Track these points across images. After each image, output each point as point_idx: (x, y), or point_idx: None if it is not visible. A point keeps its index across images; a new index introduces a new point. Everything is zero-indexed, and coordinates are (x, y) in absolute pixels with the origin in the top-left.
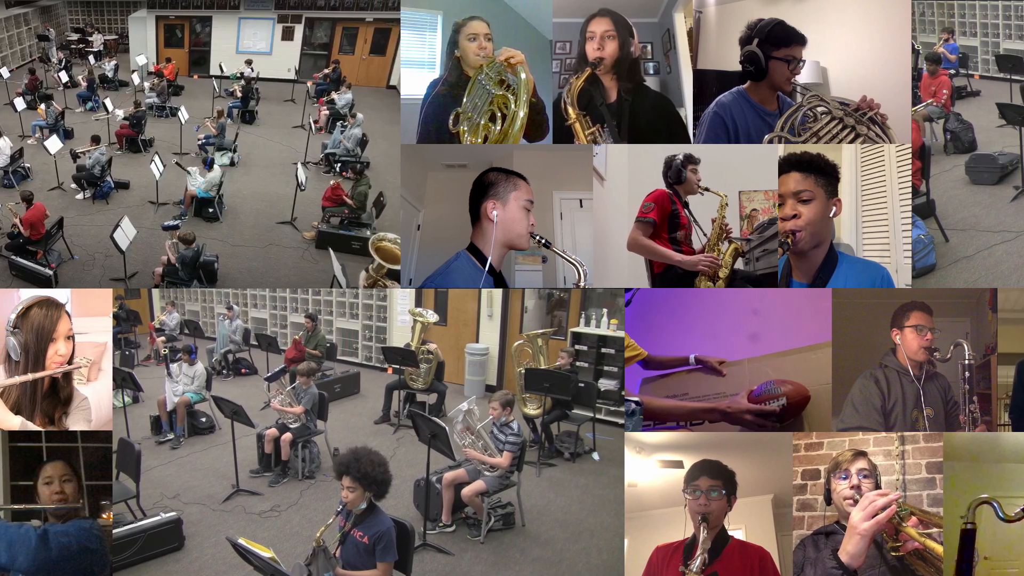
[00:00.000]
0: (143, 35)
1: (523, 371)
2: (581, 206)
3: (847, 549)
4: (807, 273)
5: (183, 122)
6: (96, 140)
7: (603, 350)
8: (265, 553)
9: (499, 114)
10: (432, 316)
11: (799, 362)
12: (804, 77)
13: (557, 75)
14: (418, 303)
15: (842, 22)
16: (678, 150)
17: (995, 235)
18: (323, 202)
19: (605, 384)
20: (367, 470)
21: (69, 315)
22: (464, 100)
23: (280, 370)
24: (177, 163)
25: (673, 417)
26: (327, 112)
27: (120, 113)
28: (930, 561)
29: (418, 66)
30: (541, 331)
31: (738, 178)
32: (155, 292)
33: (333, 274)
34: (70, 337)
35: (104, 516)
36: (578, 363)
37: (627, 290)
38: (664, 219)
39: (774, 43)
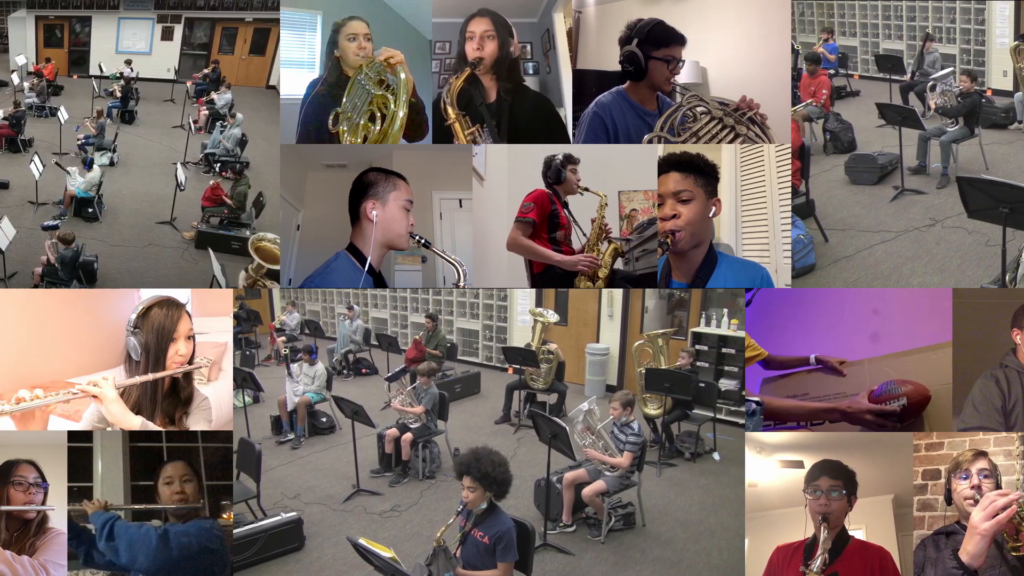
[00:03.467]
0: (22, 35)
1: (643, 371)
2: (461, 206)
3: (967, 549)
4: (687, 273)
5: (63, 122)
6: None
7: (724, 350)
8: (386, 553)
9: (379, 114)
10: (553, 316)
11: (920, 362)
12: (684, 77)
13: (437, 75)
14: (538, 303)
15: (722, 22)
16: (557, 150)
17: (875, 235)
18: (203, 202)
19: (725, 384)
20: (488, 470)
21: (190, 315)
22: (344, 100)
23: (401, 370)
24: (57, 163)
25: (793, 417)
26: (207, 112)
27: None
28: None
29: (297, 66)
30: (661, 331)
31: (618, 178)
32: (275, 292)
33: (213, 274)
34: (191, 337)
35: (224, 516)
36: (698, 363)
37: (747, 290)
38: (544, 219)
39: (653, 43)
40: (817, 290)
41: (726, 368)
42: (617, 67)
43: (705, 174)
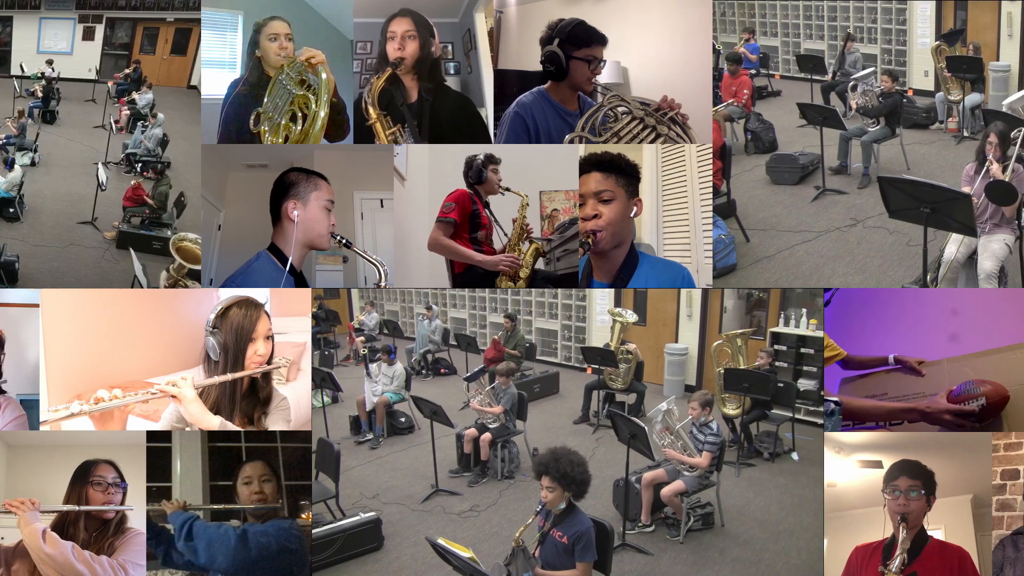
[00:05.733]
0: None
1: (722, 371)
2: (382, 206)
3: None
4: (608, 273)
5: None
6: None
7: (802, 350)
8: (464, 553)
9: (300, 114)
10: (631, 316)
11: (998, 362)
12: (605, 77)
13: (358, 75)
14: (617, 303)
15: (643, 22)
16: (479, 150)
17: (796, 235)
18: (124, 202)
19: (804, 384)
20: (566, 470)
21: (268, 315)
22: (265, 100)
23: (479, 370)
24: None
25: (872, 417)
26: (128, 112)
27: None
28: None
29: (219, 66)
30: (740, 331)
31: (539, 178)
32: (354, 292)
33: (134, 274)
34: (269, 337)
35: (303, 516)
36: (777, 363)
37: (826, 290)
38: (465, 219)
39: (575, 43)
40: (895, 290)
41: (805, 368)
42: (538, 67)
43: (626, 174)
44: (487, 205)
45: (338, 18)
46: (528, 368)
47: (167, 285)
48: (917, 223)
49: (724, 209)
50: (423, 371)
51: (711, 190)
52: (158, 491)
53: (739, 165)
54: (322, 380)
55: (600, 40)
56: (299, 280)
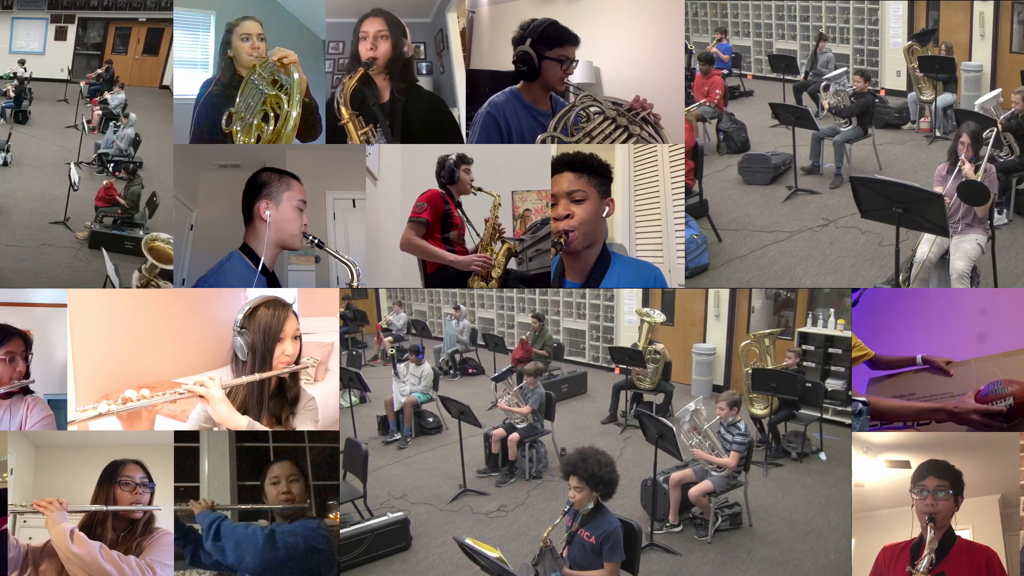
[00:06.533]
0: None
1: (750, 371)
2: (354, 206)
3: None
4: (580, 273)
5: None
6: None
7: (830, 350)
8: (492, 553)
9: (272, 114)
10: (659, 316)
11: None
12: (577, 77)
13: (330, 75)
14: (645, 303)
15: (615, 22)
16: (451, 150)
17: (768, 235)
18: (96, 202)
19: (832, 384)
20: (594, 470)
21: (296, 315)
22: (237, 100)
23: (507, 370)
24: None
25: (900, 417)
26: (100, 112)
27: None
28: None
29: (191, 66)
30: (768, 331)
31: (511, 178)
32: (382, 292)
33: (106, 274)
34: (297, 337)
35: (331, 516)
36: (805, 363)
37: (854, 290)
38: (437, 219)
39: (547, 43)
40: (923, 290)
41: (833, 368)
42: (510, 67)
43: (598, 174)
44: (459, 205)
45: (310, 18)
46: (556, 368)
47: (139, 285)
48: (889, 223)
49: (696, 209)
50: (451, 371)
51: (683, 190)
52: (186, 491)
53: (711, 165)
54: (350, 380)
55: (572, 40)
56: (271, 280)
